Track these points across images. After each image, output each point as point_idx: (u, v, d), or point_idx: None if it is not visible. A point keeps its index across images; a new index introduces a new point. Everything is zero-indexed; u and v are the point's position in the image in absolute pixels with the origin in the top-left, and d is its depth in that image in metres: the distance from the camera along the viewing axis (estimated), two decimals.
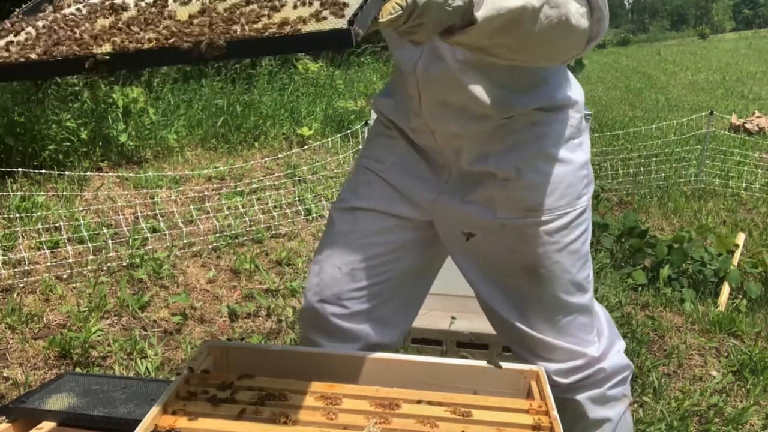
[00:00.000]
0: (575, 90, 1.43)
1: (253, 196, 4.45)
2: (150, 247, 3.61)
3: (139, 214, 3.95)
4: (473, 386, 1.26)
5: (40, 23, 1.03)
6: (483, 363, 1.30)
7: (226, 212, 4.11)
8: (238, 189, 4.58)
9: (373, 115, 2.42)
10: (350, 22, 0.87)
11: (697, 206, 5.02)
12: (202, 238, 3.75)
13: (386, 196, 1.49)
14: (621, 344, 1.58)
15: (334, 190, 4.53)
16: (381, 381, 1.21)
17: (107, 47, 0.93)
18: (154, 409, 1.07)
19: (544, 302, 1.44)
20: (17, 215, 3.78)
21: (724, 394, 2.50)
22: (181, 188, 4.59)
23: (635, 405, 2.41)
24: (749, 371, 2.64)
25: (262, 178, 4.92)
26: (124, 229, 3.74)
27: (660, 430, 2.23)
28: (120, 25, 0.98)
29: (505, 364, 1.30)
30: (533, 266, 1.40)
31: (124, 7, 1.05)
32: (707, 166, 5.72)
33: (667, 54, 22.65)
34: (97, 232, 3.65)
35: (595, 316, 1.53)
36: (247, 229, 3.97)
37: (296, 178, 4.92)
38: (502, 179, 1.37)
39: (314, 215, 4.26)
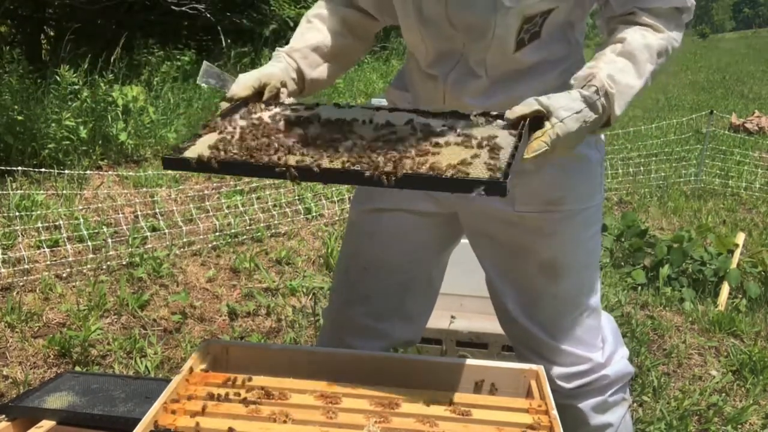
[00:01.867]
0: None
1: (253, 195, 4.45)
2: (150, 245, 3.61)
3: (139, 212, 3.95)
4: (473, 385, 1.26)
5: (239, 125, 1.19)
6: (483, 362, 1.30)
7: (226, 211, 4.11)
8: (238, 188, 4.58)
9: None
10: (506, 176, 1.00)
11: (696, 206, 5.02)
12: (201, 237, 3.75)
13: (408, 193, 1.47)
14: (624, 351, 1.58)
15: (334, 189, 4.53)
16: (381, 381, 1.21)
17: (297, 159, 1.07)
18: (154, 408, 1.06)
19: (558, 300, 1.45)
20: (17, 214, 3.77)
21: (723, 394, 2.50)
22: (180, 187, 4.59)
23: (635, 405, 2.41)
24: (749, 371, 2.64)
25: None
26: (124, 227, 3.74)
27: (660, 430, 2.23)
28: (309, 140, 1.14)
29: (504, 364, 1.30)
30: (551, 261, 1.42)
31: (310, 121, 1.22)
32: (707, 165, 5.72)
33: None
34: (96, 230, 3.65)
35: (601, 320, 1.54)
36: (247, 228, 3.97)
37: None
38: (522, 172, 1.36)
39: (314, 214, 4.26)
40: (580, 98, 1.12)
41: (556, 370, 1.46)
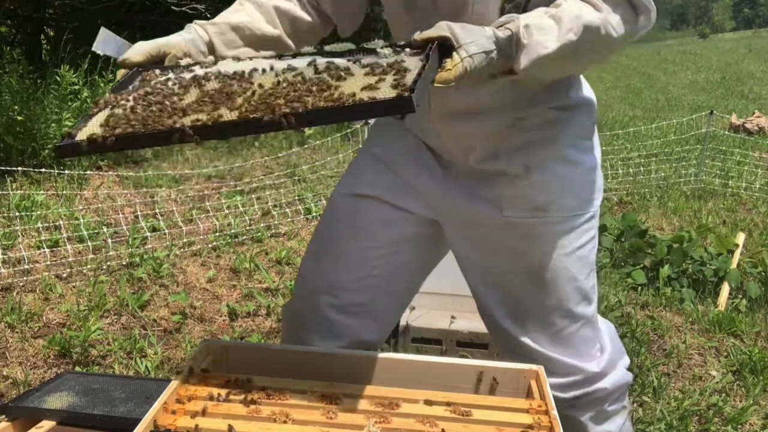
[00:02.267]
0: (587, 90, 1.41)
1: (253, 195, 4.45)
2: (150, 246, 3.61)
3: (139, 213, 3.95)
4: (473, 385, 1.26)
5: (132, 97, 1.11)
6: (483, 363, 1.30)
7: (226, 211, 4.11)
8: (238, 188, 4.58)
9: None
10: (411, 90, 0.95)
11: (697, 206, 5.02)
12: (201, 237, 3.75)
13: (394, 186, 1.44)
14: (626, 360, 1.53)
15: (333, 189, 4.53)
16: (381, 381, 1.21)
17: (192, 119, 1.02)
18: (154, 408, 1.06)
19: (545, 310, 1.39)
20: (17, 214, 3.77)
21: (723, 394, 2.50)
22: (180, 187, 4.59)
23: (635, 405, 2.41)
24: (749, 371, 2.64)
25: (261, 177, 4.92)
26: (124, 228, 3.74)
27: (660, 430, 2.23)
28: (205, 98, 1.07)
29: (504, 364, 1.30)
30: (538, 269, 1.36)
31: (207, 78, 1.14)
32: (707, 165, 5.72)
33: (667, 54, 22.65)
34: (96, 231, 3.65)
35: (598, 330, 1.48)
36: (247, 228, 3.97)
37: (296, 178, 4.92)
38: (511, 176, 1.34)
39: (314, 214, 4.25)
40: (492, 37, 1.07)
41: (550, 380, 1.39)
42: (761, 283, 3.40)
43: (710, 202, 5.19)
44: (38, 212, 3.80)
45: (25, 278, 3.14)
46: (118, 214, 3.97)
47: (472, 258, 1.45)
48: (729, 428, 2.28)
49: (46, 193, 4.14)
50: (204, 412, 1.09)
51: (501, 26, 1.10)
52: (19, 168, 3.98)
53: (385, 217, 1.45)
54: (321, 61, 1.12)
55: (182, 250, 3.59)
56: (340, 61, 1.11)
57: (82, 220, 3.66)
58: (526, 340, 1.41)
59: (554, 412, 1.11)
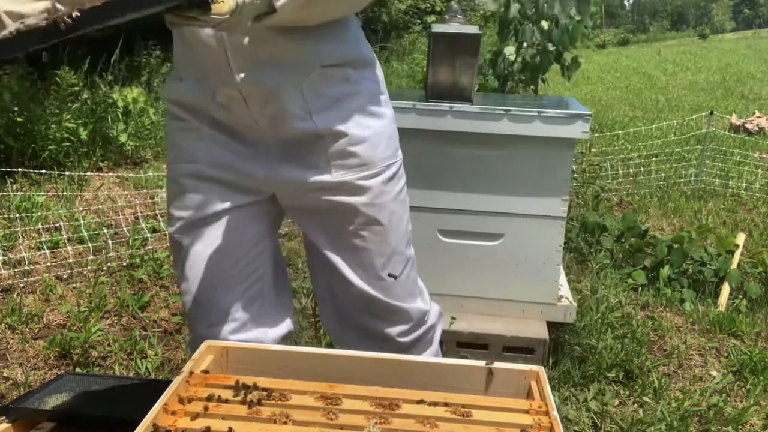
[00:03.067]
0: (369, 49, 1.48)
1: None
2: (150, 247, 3.61)
3: (139, 214, 3.95)
4: (473, 386, 1.26)
5: None
6: (483, 363, 1.30)
7: None
8: None
9: None
10: None
11: (697, 206, 5.02)
12: None
13: (219, 193, 1.43)
14: (426, 290, 1.66)
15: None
16: (381, 381, 1.21)
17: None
18: (154, 410, 1.06)
19: (386, 256, 1.48)
20: (17, 215, 3.78)
21: (724, 395, 2.50)
22: None
23: (635, 405, 2.41)
24: (749, 371, 2.64)
25: None
26: (124, 229, 3.74)
27: (660, 430, 2.23)
28: None
29: (505, 365, 1.30)
30: (375, 220, 1.45)
31: None
32: (707, 166, 5.72)
33: (667, 54, 22.65)
34: (97, 232, 3.65)
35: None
36: None
37: None
38: (331, 138, 1.38)
39: None
40: None
41: (396, 328, 1.52)
42: (761, 283, 3.40)
43: (710, 202, 5.19)
44: (38, 213, 3.80)
45: (25, 279, 3.15)
46: (119, 215, 3.97)
47: (316, 226, 1.49)
48: (729, 429, 2.28)
49: (46, 194, 4.14)
50: (204, 413, 1.09)
51: None
52: (20, 169, 3.98)
53: (231, 225, 1.45)
54: None
55: None
56: None
57: (82, 221, 3.66)
58: (375, 293, 1.49)
59: (554, 413, 1.11)
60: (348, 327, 1.57)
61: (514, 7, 4.15)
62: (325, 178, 1.40)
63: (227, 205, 1.43)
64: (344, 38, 1.38)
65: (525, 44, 4.31)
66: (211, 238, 1.44)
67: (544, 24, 4.17)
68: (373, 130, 1.42)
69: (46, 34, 0.86)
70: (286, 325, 1.58)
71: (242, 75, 1.31)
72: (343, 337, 1.59)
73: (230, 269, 1.46)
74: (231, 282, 1.47)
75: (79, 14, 0.86)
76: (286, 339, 1.56)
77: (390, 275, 1.50)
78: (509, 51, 4.43)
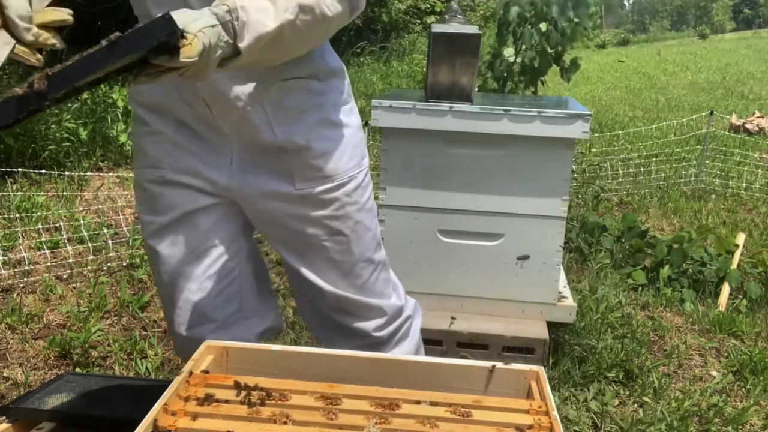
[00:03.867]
0: (336, 59, 1.47)
1: None
2: None
3: None
4: (473, 386, 1.26)
5: None
6: (483, 363, 1.30)
7: None
8: None
9: (374, 116, 2.42)
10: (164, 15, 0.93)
11: (697, 206, 5.02)
12: None
13: (186, 196, 1.43)
14: (401, 286, 1.69)
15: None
16: (381, 381, 1.21)
17: None
18: (154, 409, 1.06)
19: (353, 263, 1.50)
20: (17, 215, 3.78)
21: (724, 395, 2.50)
22: None
23: (635, 405, 2.41)
24: (749, 371, 2.64)
25: None
26: (124, 229, 3.74)
27: (660, 430, 2.23)
28: None
29: (505, 365, 1.30)
30: (339, 230, 1.46)
31: None
32: (707, 166, 5.72)
33: (667, 54, 22.65)
34: (97, 232, 3.65)
35: (389, 269, 1.64)
36: None
37: None
38: (293, 151, 1.38)
39: None
40: (210, 14, 1.05)
41: (371, 323, 1.55)
42: (761, 283, 3.40)
43: (710, 202, 5.19)
44: (38, 213, 3.80)
45: (25, 279, 3.15)
46: (119, 215, 3.97)
47: (280, 237, 1.49)
48: (729, 429, 2.28)
49: (46, 194, 4.14)
50: (204, 413, 1.09)
51: (216, 4, 1.09)
52: (20, 169, 3.98)
53: (204, 227, 1.45)
54: None
55: None
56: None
57: (82, 221, 3.66)
58: (349, 294, 1.52)
59: (554, 413, 1.11)
60: (326, 324, 1.59)
61: (514, 10, 4.15)
62: (288, 190, 1.41)
63: (196, 207, 1.44)
64: (309, 53, 1.35)
65: (524, 46, 4.31)
66: (183, 241, 1.45)
67: (543, 26, 4.17)
68: (337, 142, 1.42)
69: (24, 101, 0.87)
70: (268, 322, 1.59)
71: (203, 85, 1.30)
72: (323, 334, 1.61)
73: (205, 271, 1.47)
74: (206, 283, 1.47)
75: (51, 75, 0.87)
76: (268, 336, 1.59)
77: (355, 281, 1.52)
78: (508, 52, 4.43)
